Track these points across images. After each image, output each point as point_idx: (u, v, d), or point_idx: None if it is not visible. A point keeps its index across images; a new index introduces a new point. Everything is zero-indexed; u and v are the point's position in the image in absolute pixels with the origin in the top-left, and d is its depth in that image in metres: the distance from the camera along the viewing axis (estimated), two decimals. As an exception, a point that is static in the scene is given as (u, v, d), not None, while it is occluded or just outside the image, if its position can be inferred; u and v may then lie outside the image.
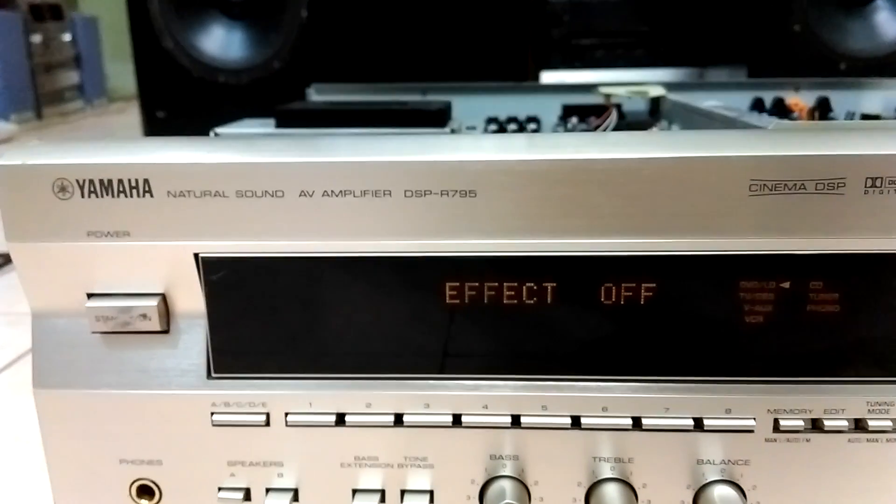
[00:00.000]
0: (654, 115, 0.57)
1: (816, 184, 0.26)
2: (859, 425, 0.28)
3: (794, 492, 0.29)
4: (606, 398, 0.28)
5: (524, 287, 0.28)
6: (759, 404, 0.28)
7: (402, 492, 0.30)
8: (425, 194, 0.27)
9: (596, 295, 0.28)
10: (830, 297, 0.27)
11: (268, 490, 0.30)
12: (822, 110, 0.50)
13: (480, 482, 0.29)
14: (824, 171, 0.26)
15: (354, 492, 0.30)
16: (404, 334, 0.29)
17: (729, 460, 0.28)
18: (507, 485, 0.29)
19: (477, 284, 0.28)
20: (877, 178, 0.26)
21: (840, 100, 0.53)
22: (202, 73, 1.02)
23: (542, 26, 1.25)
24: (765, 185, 0.26)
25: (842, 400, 0.28)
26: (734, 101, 0.52)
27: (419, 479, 0.29)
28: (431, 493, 0.30)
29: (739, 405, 0.28)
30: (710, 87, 0.59)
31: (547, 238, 0.27)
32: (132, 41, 1.01)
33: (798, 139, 0.27)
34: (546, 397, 0.28)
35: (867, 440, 0.28)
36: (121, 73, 2.13)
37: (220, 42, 1.05)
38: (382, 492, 0.30)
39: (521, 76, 1.10)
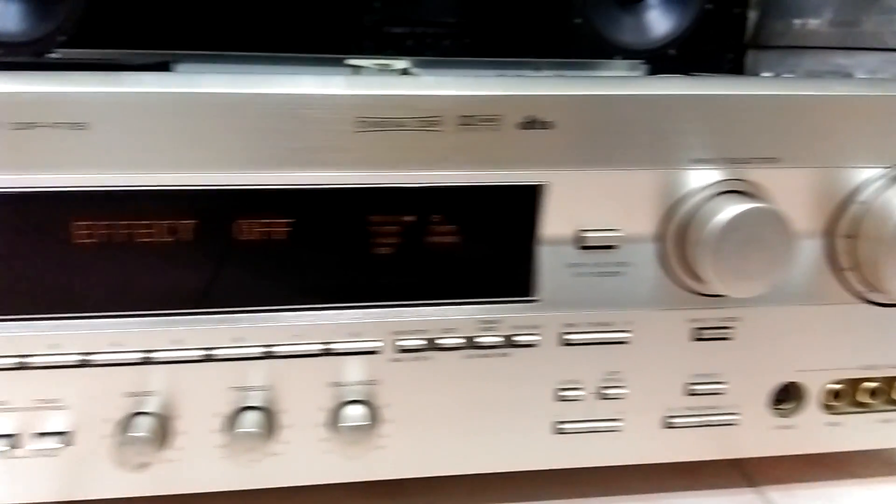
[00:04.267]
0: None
1: (416, 121, 0.29)
2: (472, 342, 0.31)
3: (422, 406, 0.31)
4: (235, 329, 0.29)
5: (147, 223, 0.28)
6: (382, 327, 0.30)
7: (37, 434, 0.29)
8: (32, 127, 0.26)
9: (227, 231, 0.29)
10: (446, 228, 0.30)
11: None
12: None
13: (123, 418, 0.29)
14: (421, 110, 0.28)
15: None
16: (29, 273, 0.28)
17: (361, 381, 0.31)
18: (144, 421, 0.29)
19: (91, 223, 0.28)
20: (470, 117, 0.29)
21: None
22: (-26, 47, 0.93)
23: (353, 12, 1.26)
24: (369, 121, 0.28)
25: (455, 321, 0.31)
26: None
27: (54, 422, 0.29)
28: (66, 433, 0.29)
29: (366, 329, 0.30)
30: (467, 65, 0.62)
31: (164, 172, 0.28)
32: None
33: (401, 82, 0.30)
34: (179, 331, 0.29)
35: (479, 356, 0.31)
36: None
37: (-3, 13, 0.96)
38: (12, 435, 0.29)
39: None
